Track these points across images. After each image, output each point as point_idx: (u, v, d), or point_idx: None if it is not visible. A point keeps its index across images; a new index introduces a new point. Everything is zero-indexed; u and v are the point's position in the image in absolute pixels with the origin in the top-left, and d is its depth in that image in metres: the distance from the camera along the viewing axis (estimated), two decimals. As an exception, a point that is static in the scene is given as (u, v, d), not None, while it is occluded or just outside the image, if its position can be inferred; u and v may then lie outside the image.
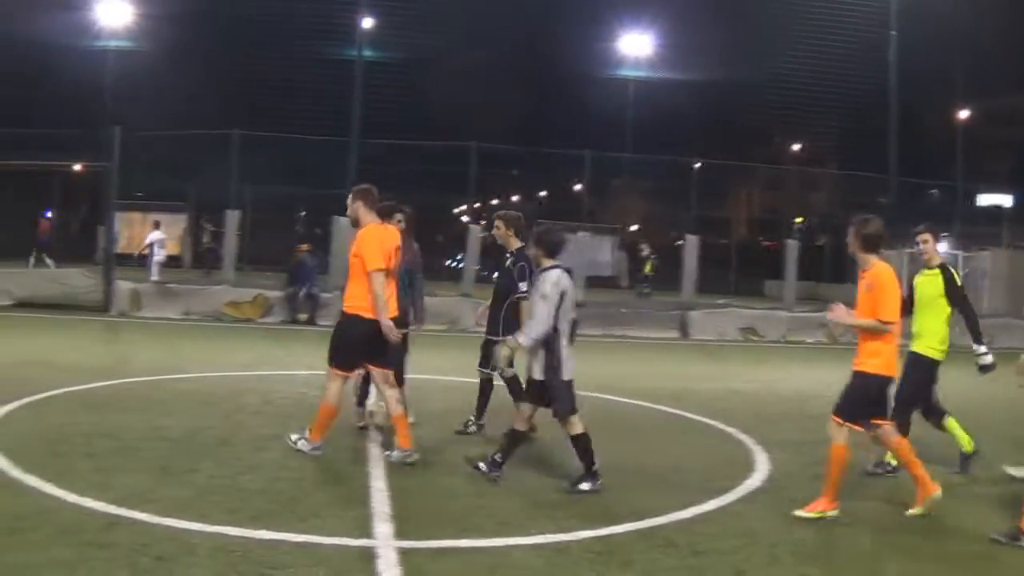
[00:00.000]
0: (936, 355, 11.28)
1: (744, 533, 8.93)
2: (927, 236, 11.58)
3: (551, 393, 10.05)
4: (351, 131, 35.33)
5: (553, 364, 9.99)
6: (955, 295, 11.38)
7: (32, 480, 9.38)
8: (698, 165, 46.34)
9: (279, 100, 46.60)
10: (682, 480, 10.76)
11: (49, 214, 51.03)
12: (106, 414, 13.00)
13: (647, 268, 48.80)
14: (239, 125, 38.02)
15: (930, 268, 11.52)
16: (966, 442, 11.66)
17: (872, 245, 9.77)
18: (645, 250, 50.34)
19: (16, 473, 9.61)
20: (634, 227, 69.43)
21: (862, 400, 9.50)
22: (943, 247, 29.61)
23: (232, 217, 31.69)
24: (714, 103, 56.15)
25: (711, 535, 8.81)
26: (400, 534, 8.42)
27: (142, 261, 39.87)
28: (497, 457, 10.32)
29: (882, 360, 9.44)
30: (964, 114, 58.32)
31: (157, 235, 40.38)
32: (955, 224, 43.46)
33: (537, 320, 9.91)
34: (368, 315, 10.81)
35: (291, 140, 40.94)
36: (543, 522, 8.93)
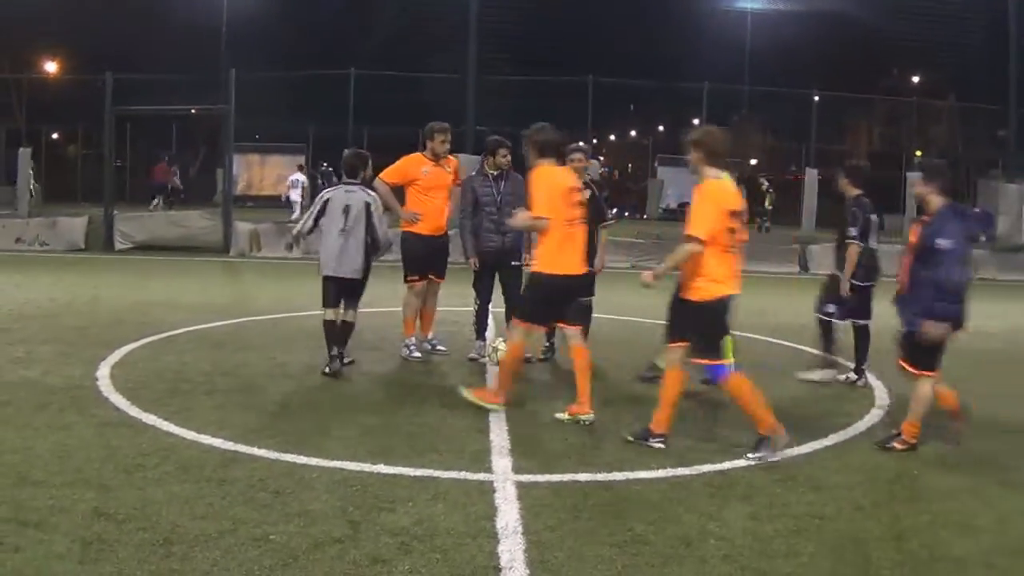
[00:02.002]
0: None
1: (863, 468, 8.80)
2: None
3: None
4: (467, 67, 35.18)
5: None
6: None
7: (152, 418, 9.51)
8: (817, 98, 45.67)
9: (395, 39, 46.68)
10: (803, 415, 10.58)
11: (166, 158, 51.67)
12: (226, 352, 13.14)
13: (767, 202, 48.20)
14: (355, 65, 38.15)
15: None
16: None
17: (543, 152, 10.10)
18: (764, 184, 49.74)
19: (136, 412, 9.75)
20: (753, 161, 68.72)
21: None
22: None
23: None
24: (832, 34, 55.14)
25: (831, 470, 8.68)
26: (518, 468, 8.40)
27: (287, 202, 40.83)
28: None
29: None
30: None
31: (299, 176, 41.16)
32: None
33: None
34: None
35: (407, 78, 41.00)
36: (663, 456, 8.85)
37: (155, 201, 46.01)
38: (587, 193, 12.19)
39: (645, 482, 8.17)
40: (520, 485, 7.93)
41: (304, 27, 52.45)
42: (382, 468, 8.20)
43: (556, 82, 43.83)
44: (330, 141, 45.34)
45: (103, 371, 11.60)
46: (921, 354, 9.34)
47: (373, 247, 12.00)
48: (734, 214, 9.04)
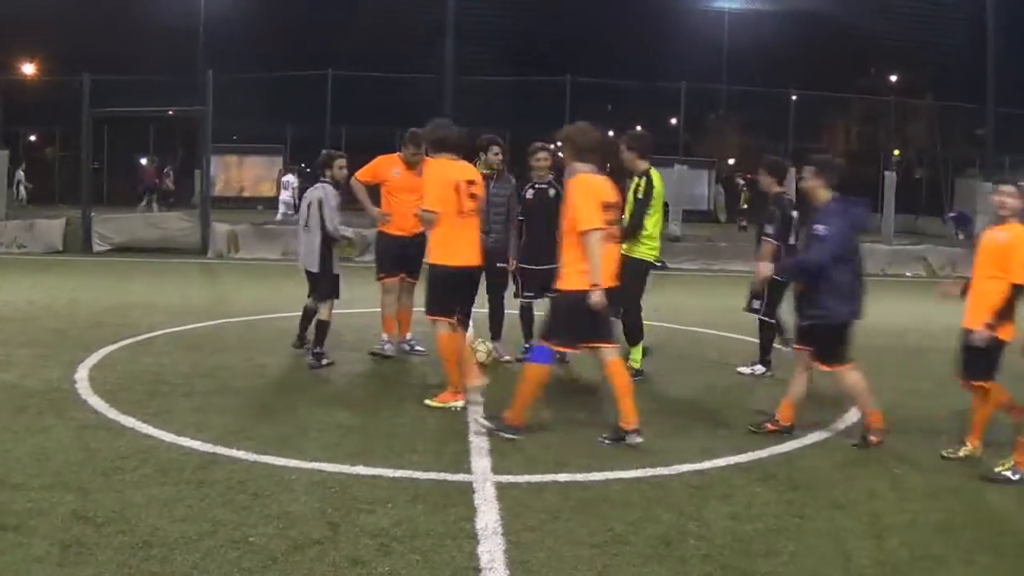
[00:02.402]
0: None
1: (843, 467, 8.84)
2: None
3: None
4: (444, 67, 35.18)
5: None
6: None
7: (130, 421, 9.49)
8: (795, 97, 45.78)
9: (372, 40, 46.65)
10: (782, 414, 10.62)
11: (145, 160, 51.68)
12: (204, 354, 13.12)
13: (743, 201, 48.30)
14: (332, 65, 38.13)
15: None
16: None
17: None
18: (741, 183, 49.85)
19: (115, 414, 9.73)
20: (731, 160, 68.82)
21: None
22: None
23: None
24: (810, 34, 55.27)
25: (810, 469, 8.73)
26: (498, 469, 8.41)
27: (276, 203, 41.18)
28: None
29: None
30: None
31: (290, 178, 41.41)
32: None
33: None
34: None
35: (385, 78, 40.98)
36: (642, 456, 8.87)
37: (143, 202, 46.11)
38: (551, 192, 12.43)
39: (624, 482, 8.17)
40: (499, 486, 7.93)
41: (281, 28, 52.35)
42: (361, 469, 8.19)
43: (534, 81, 43.88)
44: (308, 142, 45.30)
45: (82, 374, 11.56)
46: (823, 348, 9.66)
47: (325, 240, 12.38)
48: (607, 206, 9.29)
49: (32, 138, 60.61)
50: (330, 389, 11.32)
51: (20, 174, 48.07)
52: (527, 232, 12.88)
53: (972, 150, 49.94)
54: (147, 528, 6.68)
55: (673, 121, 46.76)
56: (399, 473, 8.15)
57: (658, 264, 12.51)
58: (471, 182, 10.55)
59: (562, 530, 6.97)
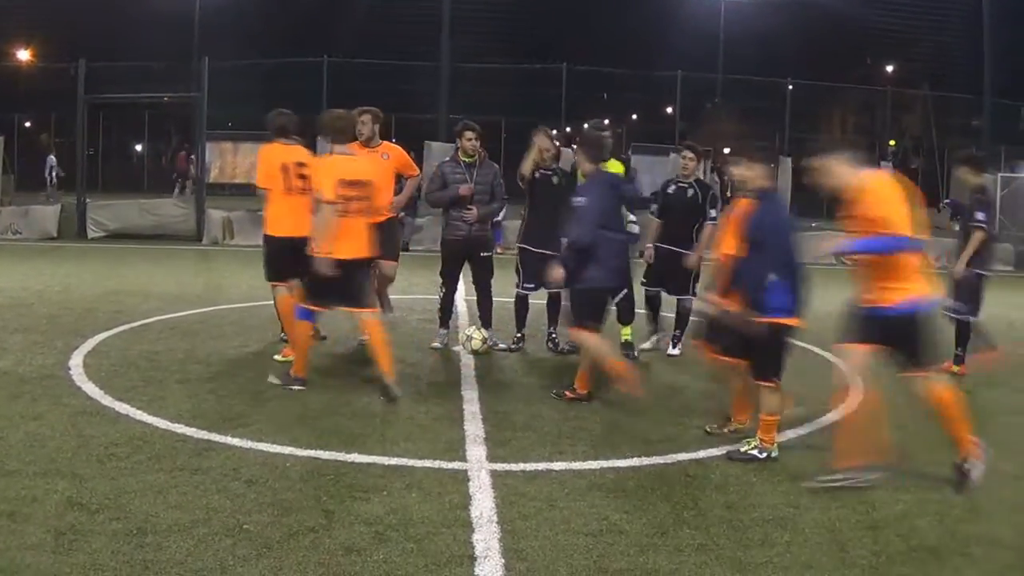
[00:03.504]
0: None
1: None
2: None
3: None
4: (440, 55, 35.12)
5: None
6: None
7: (125, 407, 9.47)
8: (791, 87, 45.70)
9: (368, 27, 46.57)
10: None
11: (186, 147, 51.85)
12: (199, 341, 13.10)
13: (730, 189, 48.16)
14: (328, 52, 38.03)
15: None
16: None
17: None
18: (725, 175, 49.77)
19: (109, 401, 9.71)
20: (727, 150, 68.82)
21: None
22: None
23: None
24: (806, 24, 55.15)
25: (807, 459, 8.69)
26: (493, 457, 8.40)
27: None
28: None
29: None
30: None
31: None
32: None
33: None
34: None
35: (380, 66, 40.89)
36: (638, 445, 8.87)
37: (176, 189, 46.56)
38: (555, 179, 12.49)
39: (620, 471, 8.17)
40: (495, 474, 7.93)
41: (277, 14, 52.22)
42: (356, 457, 8.19)
43: (530, 70, 43.77)
44: (303, 129, 45.27)
45: (76, 360, 11.54)
46: (578, 311, 10.35)
47: None
48: (348, 183, 10.27)
49: (27, 124, 60.52)
50: (324, 377, 11.26)
51: (52, 159, 47.92)
52: (530, 217, 12.96)
53: (968, 141, 49.95)
54: (141, 515, 6.67)
55: (669, 110, 46.66)
56: (394, 461, 8.14)
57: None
58: (300, 164, 11.59)
59: (558, 518, 6.96)
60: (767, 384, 8.74)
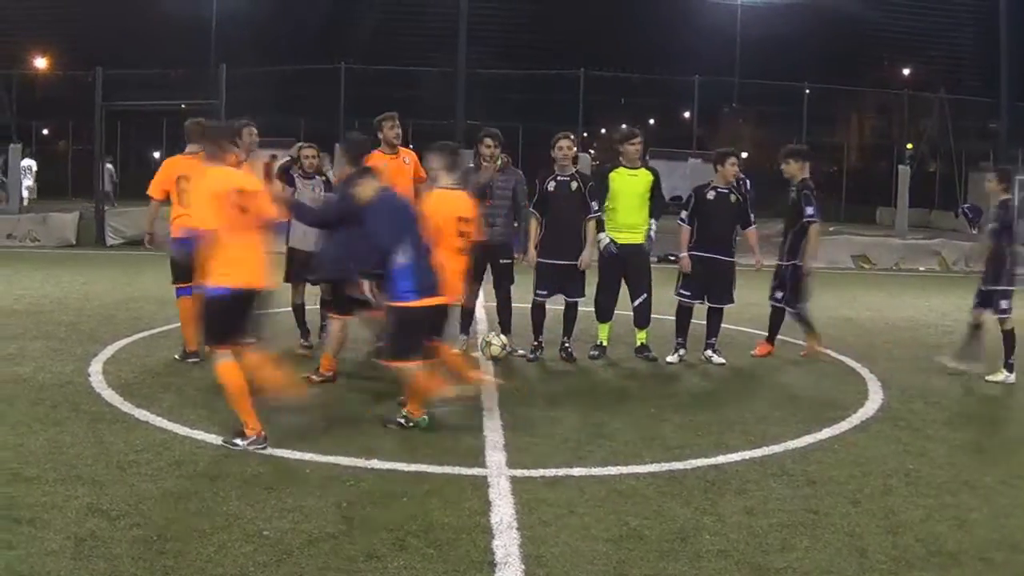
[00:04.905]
0: None
1: (858, 462, 8.80)
2: None
3: None
4: (457, 62, 35.14)
5: None
6: None
7: (144, 414, 9.50)
8: (808, 91, 45.63)
9: (385, 34, 46.63)
10: (796, 409, 10.63)
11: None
12: (218, 348, 13.09)
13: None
14: (346, 59, 38.10)
15: None
16: None
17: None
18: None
19: (129, 408, 9.74)
20: (744, 154, 68.77)
21: None
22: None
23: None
24: (823, 27, 55.08)
25: (826, 464, 8.70)
26: (512, 463, 8.41)
27: None
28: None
29: None
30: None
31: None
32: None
33: None
34: None
35: (398, 72, 40.95)
36: (657, 451, 8.87)
37: None
38: (574, 185, 12.45)
39: (639, 477, 8.16)
40: (514, 480, 7.93)
41: (294, 22, 52.30)
42: (376, 464, 8.19)
43: (547, 75, 43.75)
44: (321, 136, 45.30)
45: (95, 367, 11.57)
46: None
47: None
48: (240, 193, 8.82)
49: (45, 132, 60.70)
50: (343, 384, 11.27)
51: (110, 167, 47.13)
52: (547, 226, 12.78)
53: (985, 143, 49.78)
54: (161, 522, 6.69)
55: (687, 115, 46.63)
56: (414, 467, 8.16)
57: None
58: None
59: (577, 524, 6.97)
60: None
